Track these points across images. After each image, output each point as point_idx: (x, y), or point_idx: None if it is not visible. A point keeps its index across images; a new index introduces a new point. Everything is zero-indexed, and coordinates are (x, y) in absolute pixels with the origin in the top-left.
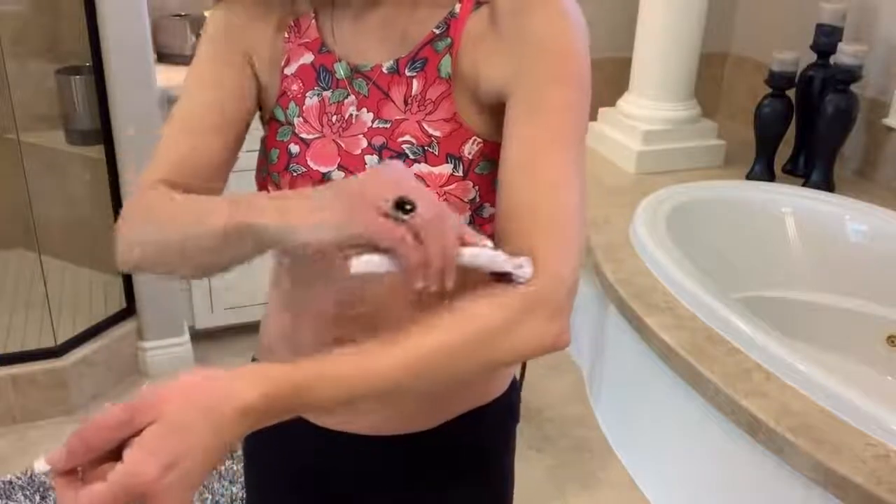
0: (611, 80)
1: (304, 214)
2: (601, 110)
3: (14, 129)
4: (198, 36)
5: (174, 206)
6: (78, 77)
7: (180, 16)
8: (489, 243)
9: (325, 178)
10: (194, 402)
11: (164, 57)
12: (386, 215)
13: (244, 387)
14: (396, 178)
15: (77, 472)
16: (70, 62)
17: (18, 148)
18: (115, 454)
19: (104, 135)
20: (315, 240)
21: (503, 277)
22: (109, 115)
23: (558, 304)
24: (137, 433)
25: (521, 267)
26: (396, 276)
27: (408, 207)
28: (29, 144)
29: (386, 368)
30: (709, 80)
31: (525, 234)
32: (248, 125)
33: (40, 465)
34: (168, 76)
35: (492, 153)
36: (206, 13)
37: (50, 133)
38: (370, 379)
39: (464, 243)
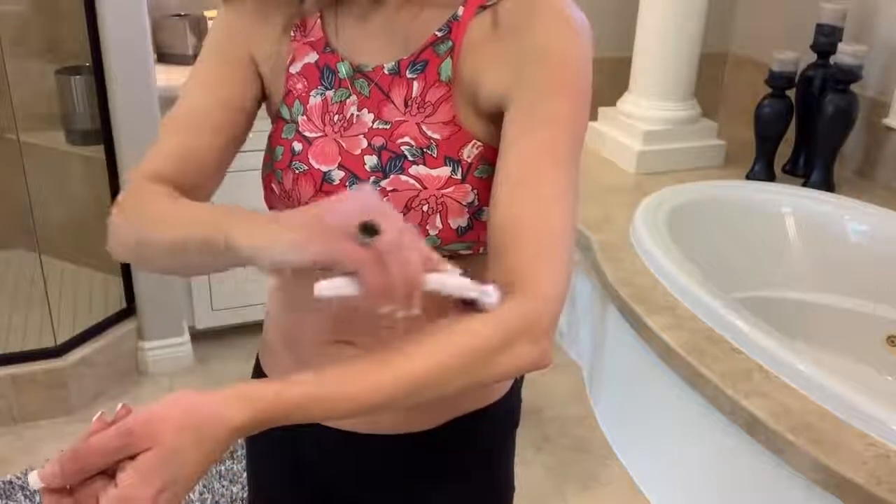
0: (611, 80)
1: (271, 236)
2: (601, 110)
3: (14, 129)
4: (198, 36)
5: (166, 207)
6: (78, 77)
7: (180, 16)
8: (457, 270)
9: (325, 177)
10: (187, 428)
11: (164, 57)
12: (352, 239)
13: (234, 412)
14: (364, 202)
15: (66, 487)
16: (70, 62)
17: (18, 148)
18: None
19: (104, 135)
20: (284, 262)
21: (470, 303)
22: (109, 115)
23: (544, 328)
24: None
25: (487, 294)
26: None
27: (373, 232)
28: (29, 144)
29: (377, 390)
30: (709, 80)
31: (516, 253)
32: (246, 129)
33: (34, 481)
34: (168, 76)
35: (491, 157)
36: (207, 13)
37: (50, 133)
38: (360, 399)
39: (430, 269)
